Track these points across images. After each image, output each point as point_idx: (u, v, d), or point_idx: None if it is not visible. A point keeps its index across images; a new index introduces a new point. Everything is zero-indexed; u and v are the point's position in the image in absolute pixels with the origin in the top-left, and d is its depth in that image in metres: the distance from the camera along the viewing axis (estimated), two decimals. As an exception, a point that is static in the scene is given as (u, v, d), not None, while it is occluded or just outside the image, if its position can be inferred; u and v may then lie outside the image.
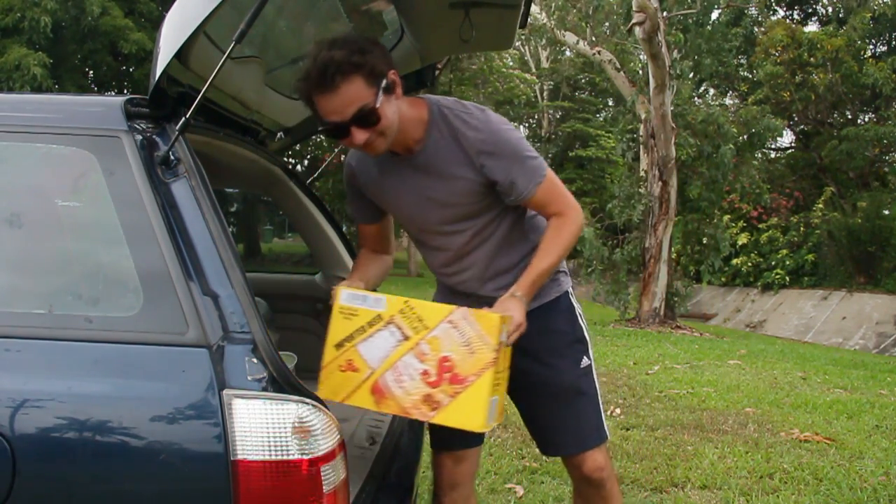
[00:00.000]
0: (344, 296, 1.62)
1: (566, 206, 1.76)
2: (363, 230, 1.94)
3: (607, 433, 1.93)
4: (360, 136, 1.58)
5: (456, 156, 1.70)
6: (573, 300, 1.95)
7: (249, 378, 1.21)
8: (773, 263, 15.79)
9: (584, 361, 1.90)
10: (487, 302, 1.69)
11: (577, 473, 1.92)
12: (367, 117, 1.56)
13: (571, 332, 1.91)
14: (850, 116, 17.56)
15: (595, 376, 1.92)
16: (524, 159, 1.70)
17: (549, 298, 1.89)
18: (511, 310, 1.62)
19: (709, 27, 11.65)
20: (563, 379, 1.87)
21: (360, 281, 1.76)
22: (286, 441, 1.18)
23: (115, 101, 1.43)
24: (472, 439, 1.90)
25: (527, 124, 31.21)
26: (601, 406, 1.92)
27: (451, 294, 1.89)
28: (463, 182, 1.72)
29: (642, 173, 10.99)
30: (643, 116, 10.76)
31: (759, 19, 17.82)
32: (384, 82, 1.58)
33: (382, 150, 1.66)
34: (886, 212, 14.65)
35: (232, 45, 1.40)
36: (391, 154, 1.74)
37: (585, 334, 1.93)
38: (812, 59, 15.71)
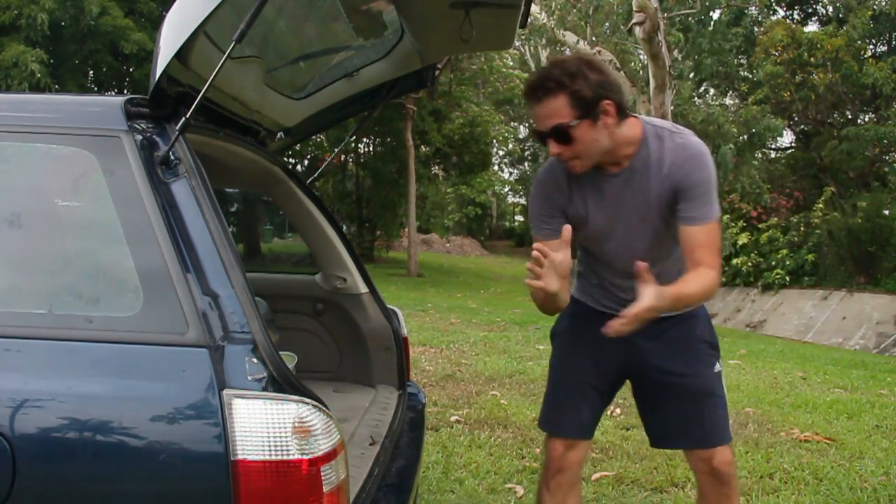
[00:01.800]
0: None
1: (716, 261, 1.79)
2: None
3: (731, 436, 2.04)
4: (554, 148, 1.74)
5: (660, 171, 1.79)
6: (707, 311, 2.08)
7: (249, 378, 1.21)
8: (773, 263, 15.78)
9: (717, 366, 2.02)
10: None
11: (705, 467, 2.01)
12: (562, 134, 1.71)
13: (710, 339, 2.03)
14: (850, 116, 17.56)
15: (723, 380, 2.04)
16: (711, 193, 1.79)
17: (693, 307, 1.97)
18: (649, 295, 1.61)
19: (709, 27, 11.66)
20: (701, 382, 1.99)
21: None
22: (286, 441, 1.18)
23: (115, 101, 1.43)
24: (586, 431, 2.05)
25: (527, 124, 31.19)
26: (727, 409, 2.04)
27: (598, 297, 2.02)
28: (664, 195, 1.80)
29: (642, 173, 10.98)
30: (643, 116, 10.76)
31: (759, 19, 17.82)
32: (592, 110, 1.68)
33: (578, 170, 1.80)
34: (886, 212, 14.64)
35: (232, 45, 1.40)
36: (596, 168, 1.82)
37: (717, 342, 2.05)
38: (812, 59, 15.70)
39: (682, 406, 1.99)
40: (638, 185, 1.82)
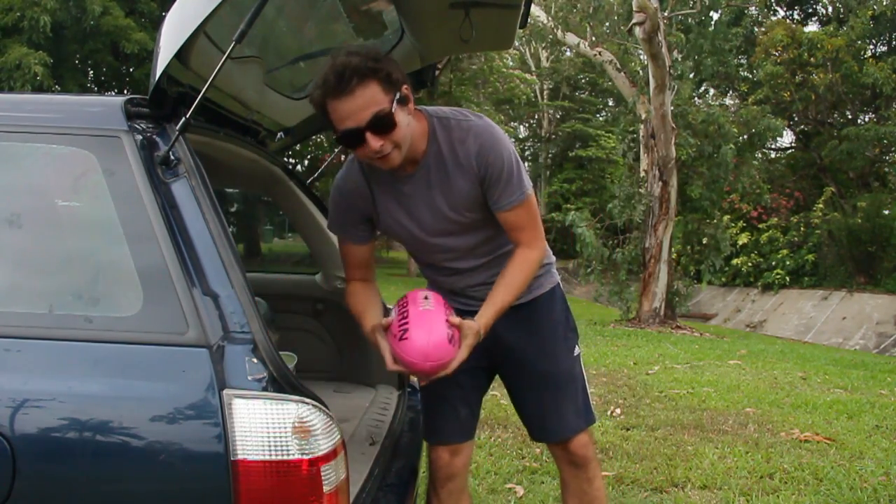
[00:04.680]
0: None
1: (536, 238, 1.77)
2: (353, 255, 1.86)
3: (594, 416, 1.99)
4: (375, 142, 1.56)
5: (457, 164, 1.70)
6: (562, 290, 2.02)
7: (249, 378, 1.21)
8: (773, 263, 15.80)
9: (576, 350, 1.97)
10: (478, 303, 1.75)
11: (561, 453, 1.97)
12: (383, 123, 1.55)
13: (566, 321, 1.97)
14: (850, 116, 17.57)
15: (581, 362, 2.00)
16: (513, 174, 1.70)
17: (546, 289, 1.94)
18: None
19: (710, 27, 11.65)
20: (560, 368, 1.93)
21: (379, 317, 1.75)
22: (286, 441, 1.18)
23: (115, 101, 1.43)
24: (468, 433, 1.98)
25: (527, 124, 31.22)
26: (588, 389, 1.99)
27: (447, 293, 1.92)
28: (464, 189, 1.71)
29: (642, 173, 10.98)
30: (643, 116, 10.76)
31: (759, 19, 17.83)
32: (399, 93, 1.58)
33: (397, 162, 1.63)
34: (886, 212, 14.66)
35: (232, 45, 1.40)
36: (390, 171, 1.71)
37: (575, 323, 2.01)
38: (812, 59, 15.72)
39: (543, 395, 1.93)
40: (436, 181, 1.71)
